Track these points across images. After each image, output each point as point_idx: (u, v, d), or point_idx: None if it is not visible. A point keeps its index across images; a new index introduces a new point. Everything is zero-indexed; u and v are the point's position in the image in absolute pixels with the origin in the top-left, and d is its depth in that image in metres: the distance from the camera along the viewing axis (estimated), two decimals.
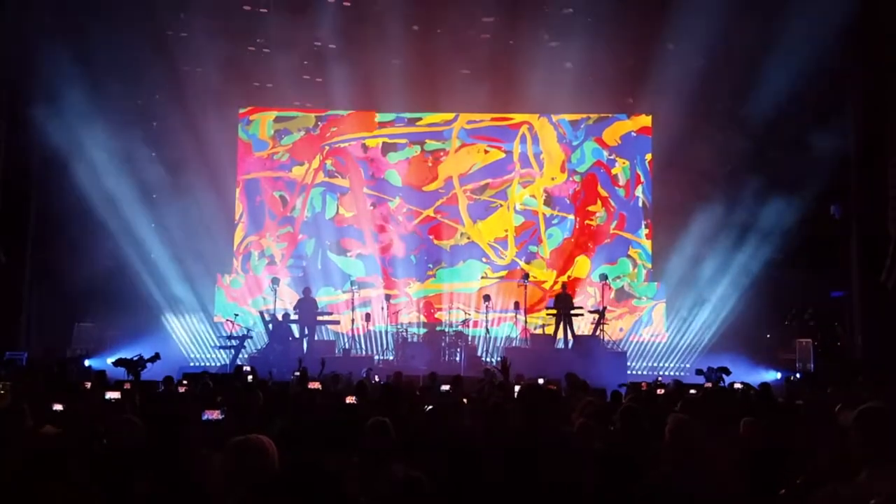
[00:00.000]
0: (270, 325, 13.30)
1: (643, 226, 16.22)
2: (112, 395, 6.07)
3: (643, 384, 8.47)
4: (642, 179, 16.24)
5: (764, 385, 7.33)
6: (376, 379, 9.68)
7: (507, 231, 16.17)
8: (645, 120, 16.21)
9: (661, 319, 15.58)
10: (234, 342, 13.26)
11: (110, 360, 9.96)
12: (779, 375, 12.94)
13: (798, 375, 12.48)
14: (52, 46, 12.07)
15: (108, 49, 12.61)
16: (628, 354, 14.06)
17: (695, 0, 12.19)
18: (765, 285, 13.98)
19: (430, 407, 5.20)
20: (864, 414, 2.73)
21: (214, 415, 4.39)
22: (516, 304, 14.10)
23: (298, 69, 14.68)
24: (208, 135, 14.49)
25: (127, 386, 7.05)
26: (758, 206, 13.77)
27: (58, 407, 5.15)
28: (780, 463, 3.95)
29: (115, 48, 12.75)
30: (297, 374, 8.22)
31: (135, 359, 8.53)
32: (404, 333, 14.24)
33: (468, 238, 16.10)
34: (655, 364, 14.48)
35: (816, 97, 12.77)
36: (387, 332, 14.62)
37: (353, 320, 14.16)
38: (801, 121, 12.80)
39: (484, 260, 16.04)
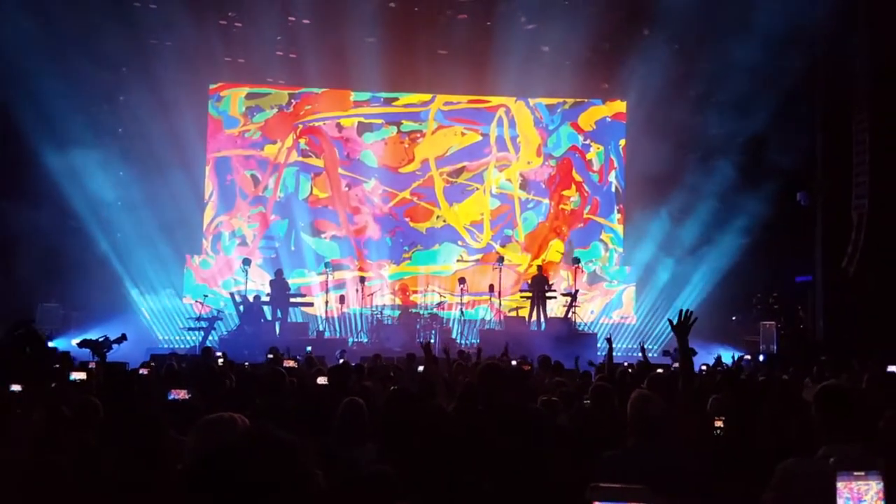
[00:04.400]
0: (241, 307, 13.12)
1: (615, 210, 16.33)
2: (77, 375, 5.92)
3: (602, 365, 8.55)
4: (616, 165, 16.35)
5: (732, 364, 7.45)
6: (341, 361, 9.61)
7: (482, 214, 16.15)
8: (619, 105, 16.28)
9: (631, 302, 15.80)
10: (203, 324, 13.06)
11: (75, 342, 9.72)
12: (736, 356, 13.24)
13: (762, 357, 12.77)
14: (14, 18, 11.60)
15: (71, 21, 12.18)
16: (599, 336, 14.20)
17: None
18: (733, 270, 14.28)
19: (394, 387, 5.18)
20: (824, 391, 2.80)
21: (181, 394, 4.30)
22: (491, 287, 14.13)
23: (271, 45, 14.36)
24: (177, 111, 14.18)
25: (92, 365, 6.87)
26: (727, 192, 14.03)
27: (15, 388, 4.97)
28: (744, 438, 4.01)
29: (80, 20, 12.33)
30: (270, 356, 8.11)
31: (100, 340, 8.31)
32: (379, 316, 14.19)
33: (444, 221, 16.03)
34: (627, 346, 14.66)
35: (785, 86, 12.96)
36: (361, 315, 14.53)
37: (326, 302, 14.04)
38: (770, 110, 12.99)
39: (460, 243, 16.02)
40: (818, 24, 12.15)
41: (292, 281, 14.39)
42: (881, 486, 2.16)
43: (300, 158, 15.95)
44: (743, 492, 2.87)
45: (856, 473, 2.17)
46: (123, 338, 8.77)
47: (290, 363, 6.87)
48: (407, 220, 15.97)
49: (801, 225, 13.88)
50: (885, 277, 11.65)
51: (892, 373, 6.90)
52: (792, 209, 13.75)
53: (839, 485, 2.16)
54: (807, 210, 13.76)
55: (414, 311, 14.55)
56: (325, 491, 1.41)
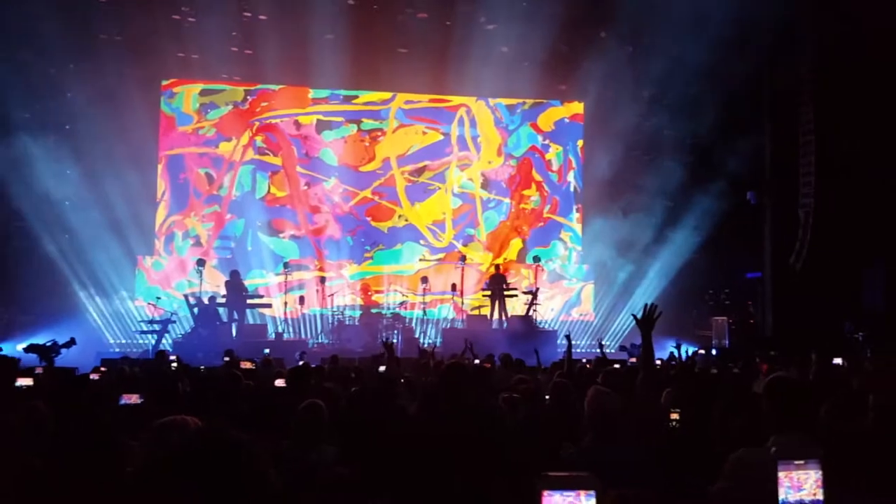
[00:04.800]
0: (196, 309, 12.81)
1: (574, 210, 16.52)
2: (23, 381, 5.66)
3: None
4: (574, 165, 16.54)
5: (688, 358, 7.58)
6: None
7: (444, 214, 16.12)
8: (577, 107, 16.50)
9: (590, 300, 16.00)
10: (156, 326, 12.72)
11: (20, 347, 9.34)
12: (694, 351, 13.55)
13: (714, 351, 13.08)
14: None
15: (16, 13, 11.72)
16: (559, 333, 14.35)
17: None
18: (686, 267, 14.66)
19: (355, 388, 5.13)
20: (772, 383, 2.87)
21: (132, 399, 4.16)
22: (453, 286, 14.13)
23: (226, 40, 14.02)
24: (128, 107, 13.77)
25: (39, 371, 6.59)
26: (680, 192, 14.37)
27: None
28: (699, 430, 4.07)
29: (24, 12, 11.87)
30: (227, 358, 7.93)
31: (48, 344, 8.01)
32: (340, 316, 14.03)
33: (406, 220, 15.96)
34: (587, 342, 14.85)
35: (734, 88, 13.32)
36: (322, 316, 14.35)
37: (285, 303, 13.83)
38: (719, 111, 13.34)
39: (422, 242, 15.96)
40: (766, 26, 12.54)
41: (249, 282, 14.13)
42: (820, 474, 2.25)
43: (256, 156, 15.65)
44: (697, 483, 2.92)
45: (796, 462, 2.25)
46: (72, 342, 8.46)
47: (247, 365, 6.72)
48: (368, 219, 15.84)
49: (750, 223, 14.26)
50: (831, 273, 12.03)
51: (838, 365, 7.10)
52: (742, 208, 14.14)
53: (780, 473, 2.23)
54: (756, 209, 14.17)
55: (376, 311, 14.46)
56: (279, 491, 1.39)
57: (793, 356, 8.46)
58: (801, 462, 2.25)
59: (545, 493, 1.99)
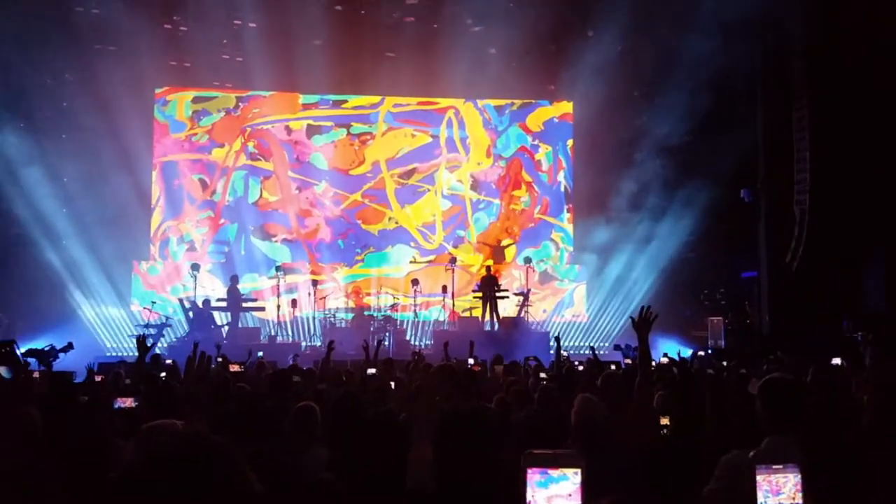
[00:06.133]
0: (191, 313, 12.95)
1: (565, 210, 16.63)
2: None
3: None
4: (564, 165, 16.63)
5: (682, 359, 7.65)
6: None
7: (434, 216, 16.25)
8: (566, 106, 16.57)
9: (582, 300, 16.09)
10: (151, 331, 12.83)
11: (20, 351, 9.44)
12: (690, 352, 13.58)
13: (709, 351, 13.11)
14: None
15: (12, 26, 11.88)
16: (551, 335, 14.44)
17: None
18: (681, 266, 14.62)
19: (345, 391, 5.23)
20: (767, 384, 2.88)
21: (127, 402, 4.29)
22: (444, 288, 14.24)
23: (217, 48, 14.22)
24: (122, 116, 13.87)
25: (36, 375, 6.73)
26: (674, 190, 14.34)
27: None
28: (693, 432, 4.11)
29: (20, 25, 12.03)
30: (219, 359, 8.05)
31: (46, 349, 8.13)
32: (332, 319, 14.13)
33: (396, 223, 16.08)
34: (579, 343, 14.92)
35: (728, 85, 13.36)
36: (314, 318, 14.48)
37: (278, 307, 13.94)
38: (713, 108, 13.37)
39: (412, 244, 16.08)
40: (757, 22, 12.51)
41: (242, 285, 14.28)
42: (799, 478, 2.22)
43: (249, 162, 15.79)
44: (690, 487, 2.92)
45: (774, 466, 2.22)
46: (70, 346, 8.58)
47: (235, 368, 6.83)
48: (359, 222, 15.97)
49: (745, 221, 14.26)
50: (828, 271, 11.94)
51: (837, 365, 7.04)
52: (736, 206, 14.12)
53: (758, 478, 2.21)
54: (751, 207, 14.13)
55: (368, 313, 14.54)
56: (262, 495, 1.41)
57: (792, 357, 8.47)
58: (780, 466, 2.23)
59: (529, 470, 1.96)
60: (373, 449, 3.67)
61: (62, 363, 8.27)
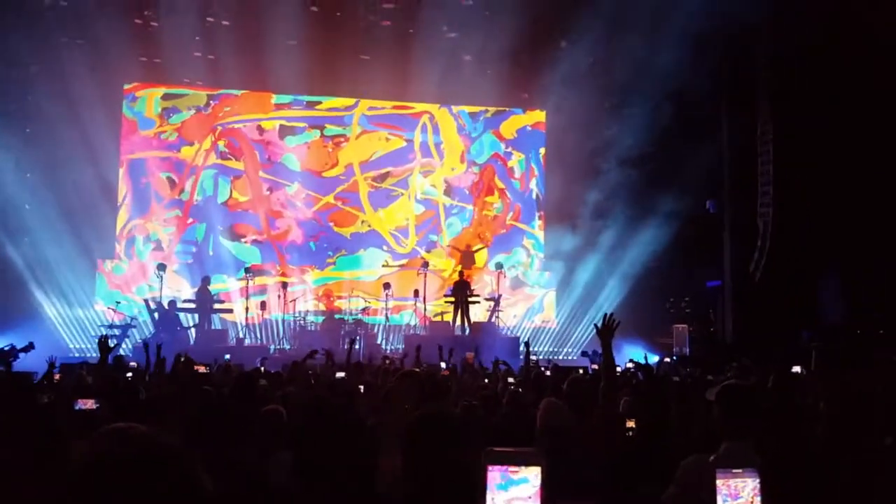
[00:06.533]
0: (156, 314, 12.73)
1: (536, 217, 16.77)
2: None
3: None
4: (536, 173, 16.79)
5: (647, 366, 7.75)
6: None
7: (407, 220, 16.23)
8: (539, 115, 16.74)
9: (552, 307, 16.23)
10: (116, 331, 12.59)
11: None
12: (656, 358, 13.77)
13: (674, 358, 13.32)
14: None
15: None
16: (521, 340, 14.53)
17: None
18: (647, 275, 14.85)
19: (315, 395, 5.20)
20: (724, 391, 2.93)
21: (88, 404, 4.20)
22: (416, 293, 14.23)
23: (189, 45, 13.99)
24: (90, 111, 13.58)
25: None
26: (641, 200, 14.59)
27: None
28: (656, 437, 4.18)
29: None
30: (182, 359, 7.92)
31: (6, 349, 7.94)
32: (302, 322, 14.01)
33: (369, 226, 16.03)
34: (548, 349, 15.04)
35: (694, 98, 13.62)
36: (283, 321, 14.33)
37: (247, 309, 13.77)
38: (680, 120, 13.64)
39: (385, 248, 16.03)
40: (724, 35, 12.75)
41: (211, 286, 14.07)
42: (757, 482, 2.25)
43: (219, 161, 15.58)
44: (655, 491, 2.95)
45: (734, 471, 2.25)
46: (31, 346, 8.38)
47: (201, 368, 6.74)
48: (331, 224, 15.87)
49: (711, 232, 14.56)
50: (789, 282, 12.23)
51: (797, 373, 7.23)
52: (702, 216, 14.43)
53: (718, 481, 2.23)
54: (715, 217, 14.46)
55: (338, 316, 14.45)
56: (215, 499, 1.37)
57: (755, 364, 8.64)
58: (739, 470, 2.25)
59: (490, 468, 1.95)
60: (340, 454, 3.64)
61: (23, 363, 8.08)
